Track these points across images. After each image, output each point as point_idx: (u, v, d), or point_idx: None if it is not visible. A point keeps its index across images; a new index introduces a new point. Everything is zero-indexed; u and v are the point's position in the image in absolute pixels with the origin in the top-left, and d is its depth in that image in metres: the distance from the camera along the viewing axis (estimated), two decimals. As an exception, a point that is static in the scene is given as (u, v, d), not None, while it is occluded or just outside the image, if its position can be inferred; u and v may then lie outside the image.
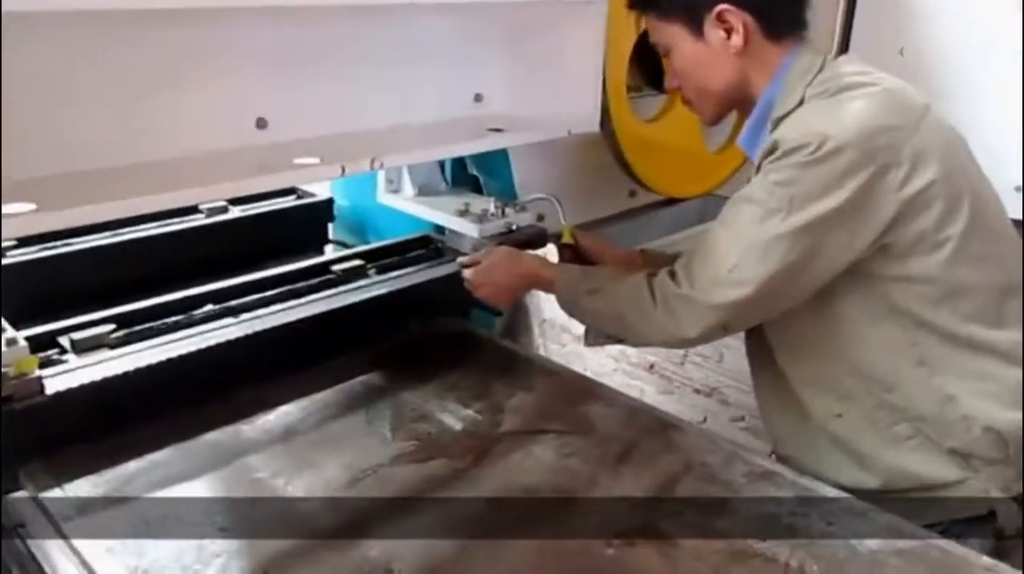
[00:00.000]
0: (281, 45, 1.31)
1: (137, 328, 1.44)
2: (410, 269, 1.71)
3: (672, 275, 1.29)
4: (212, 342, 1.38)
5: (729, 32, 1.28)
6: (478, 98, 1.63)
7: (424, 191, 1.80)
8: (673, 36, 1.33)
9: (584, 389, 1.57)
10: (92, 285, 1.64)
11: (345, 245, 2.27)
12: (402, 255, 1.80)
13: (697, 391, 3.29)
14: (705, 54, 1.31)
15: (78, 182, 1.11)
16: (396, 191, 1.82)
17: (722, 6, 1.26)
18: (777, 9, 1.29)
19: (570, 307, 1.46)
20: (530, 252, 1.56)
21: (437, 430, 1.39)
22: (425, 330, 1.72)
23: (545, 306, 3.74)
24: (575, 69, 1.55)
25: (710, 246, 1.26)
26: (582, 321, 1.47)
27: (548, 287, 1.48)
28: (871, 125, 1.18)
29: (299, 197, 2.19)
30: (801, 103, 1.25)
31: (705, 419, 3.30)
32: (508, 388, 1.54)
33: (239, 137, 1.32)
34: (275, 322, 1.46)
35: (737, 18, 1.26)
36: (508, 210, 1.69)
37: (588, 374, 2.06)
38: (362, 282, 1.64)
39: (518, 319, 3.86)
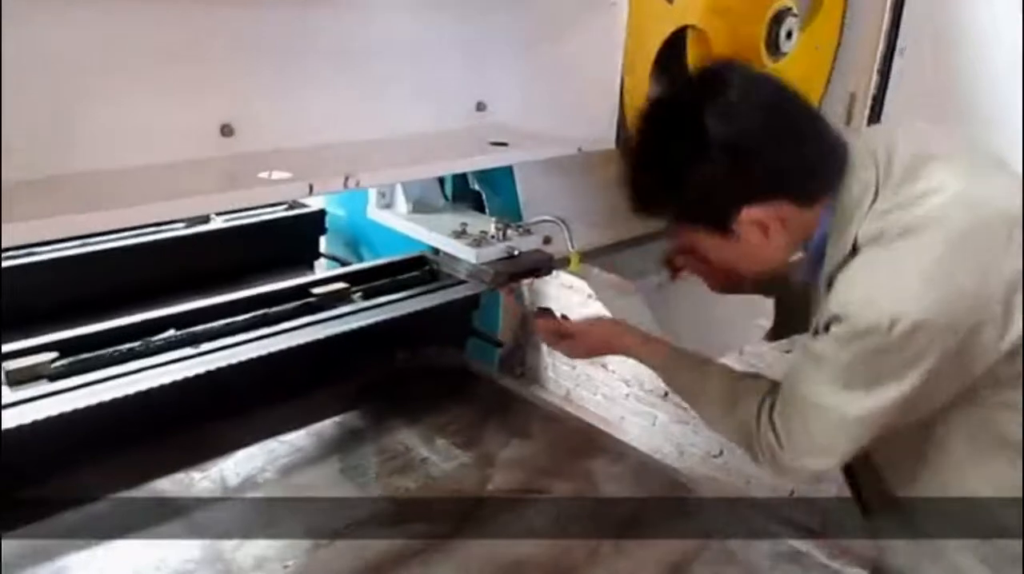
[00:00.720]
0: (251, 39, 1.15)
1: (84, 356, 1.27)
2: (400, 294, 1.54)
3: (772, 421, 1.12)
4: (163, 380, 1.20)
5: (766, 230, 1.06)
6: (480, 107, 1.46)
7: (419, 207, 1.63)
8: (700, 241, 1.13)
9: (587, 439, 1.39)
10: (46, 303, 1.48)
11: (338, 260, 2.10)
12: (393, 277, 1.63)
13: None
14: (747, 248, 1.09)
15: (15, 194, 0.95)
16: (388, 206, 1.65)
17: (753, 211, 1.03)
18: (812, 178, 1.06)
19: (672, 389, 1.29)
20: (631, 326, 1.37)
21: (417, 485, 1.22)
22: (413, 363, 1.55)
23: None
24: (590, 78, 1.37)
25: (797, 406, 1.09)
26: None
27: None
28: (947, 291, 0.97)
29: (289, 207, 2.03)
30: (855, 251, 1.04)
31: (721, 453, 3.12)
32: (503, 435, 1.37)
33: (201, 146, 1.15)
34: (239, 356, 1.28)
35: (773, 215, 1.05)
36: (510, 232, 1.52)
37: (594, 411, 1.88)
38: (344, 309, 1.46)
39: (526, 333, 3.69)
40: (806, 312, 1.27)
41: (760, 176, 1.03)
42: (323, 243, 2.12)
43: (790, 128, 1.05)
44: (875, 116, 2.05)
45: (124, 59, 1.05)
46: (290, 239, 2.00)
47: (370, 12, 1.23)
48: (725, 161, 1.01)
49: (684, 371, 1.26)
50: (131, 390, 1.18)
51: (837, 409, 1.05)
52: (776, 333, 1.55)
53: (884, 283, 1.01)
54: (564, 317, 1.42)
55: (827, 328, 1.05)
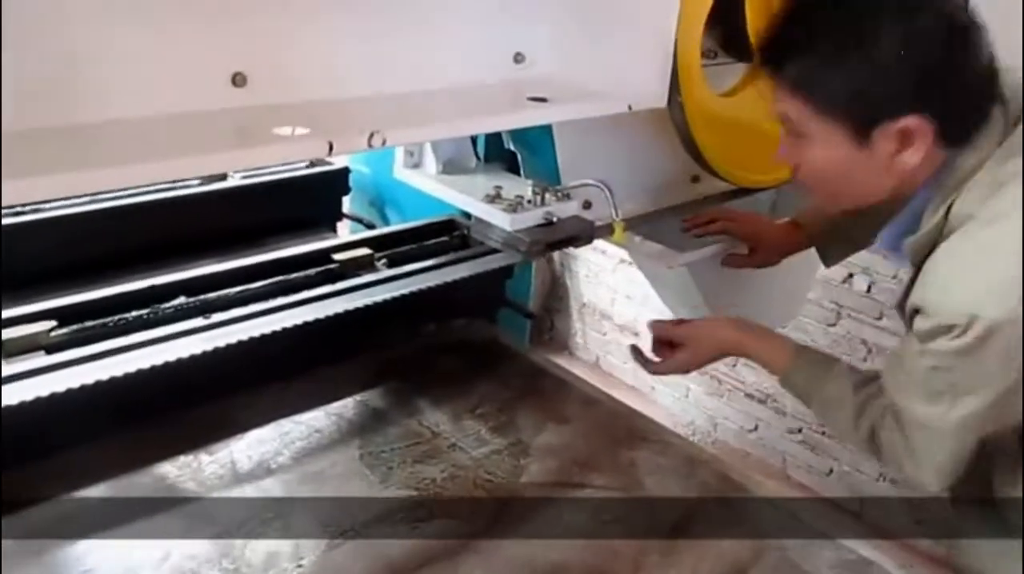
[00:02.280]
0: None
1: (86, 325, 1.17)
2: (428, 263, 1.43)
3: (892, 437, 1.04)
4: (170, 356, 1.10)
5: (906, 147, 0.94)
6: (518, 58, 1.32)
7: (450, 168, 1.50)
8: (822, 132, 0.98)
9: (629, 426, 1.28)
10: (44, 266, 1.38)
11: (362, 222, 1.99)
12: (420, 243, 1.51)
13: (750, 396, 2.98)
14: (862, 164, 0.97)
15: (8, 148, 0.84)
16: (417, 166, 1.52)
17: (910, 120, 0.92)
18: (966, 111, 0.95)
19: (791, 392, 1.20)
20: (746, 323, 1.27)
21: (444, 475, 1.12)
22: (441, 336, 1.44)
23: (585, 289, 3.45)
24: (642, 28, 1.23)
25: (901, 422, 1.02)
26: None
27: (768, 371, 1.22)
28: None
29: (311, 164, 1.91)
30: (943, 227, 0.95)
31: (756, 427, 3.00)
32: (538, 418, 1.26)
33: (210, 97, 1.03)
34: (253, 330, 1.18)
35: (924, 133, 0.93)
36: (548, 196, 1.39)
37: (624, 380, 1.77)
38: (368, 278, 1.35)
39: (556, 301, 3.57)
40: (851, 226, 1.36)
41: (931, 88, 0.91)
42: (346, 203, 2.01)
43: (974, 54, 0.93)
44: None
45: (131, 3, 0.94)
46: (311, 198, 1.88)
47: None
48: (905, 59, 0.90)
49: (807, 377, 1.16)
50: (135, 366, 1.07)
51: (928, 425, 0.98)
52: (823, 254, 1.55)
53: (962, 275, 0.91)
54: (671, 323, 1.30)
55: (911, 318, 0.97)
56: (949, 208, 0.95)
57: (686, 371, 1.26)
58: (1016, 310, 0.87)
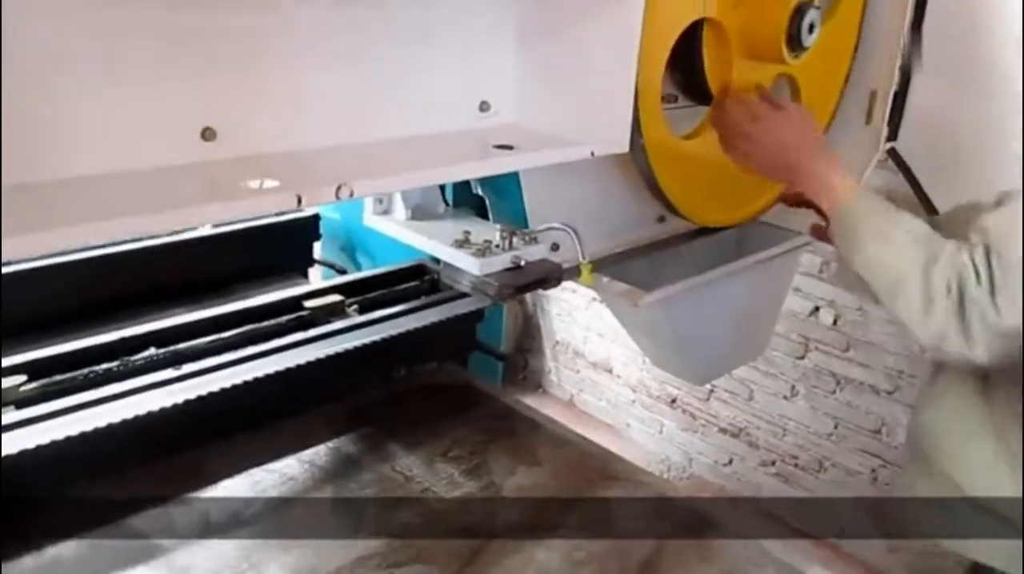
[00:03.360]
0: (235, 35, 1.04)
1: (57, 378, 1.17)
2: (399, 308, 1.44)
3: (974, 259, 1.02)
4: (140, 410, 1.10)
5: None
6: (484, 107, 1.35)
7: (418, 214, 1.52)
8: None
9: (601, 466, 1.29)
10: (13, 320, 1.37)
11: (333, 267, 2.01)
12: (390, 288, 1.53)
13: (723, 431, 3.01)
14: None
15: None
16: (386, 212, 1.54)
17: None
18: None
19: (845, 241, 1.19)
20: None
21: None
22: (413, 381, 1.45)
23: (558, 328, 3.47)
24: (603, 76, 1.26)
25: (1007, 257, 1.00)
26: (848, 260, 1.20)
27: (825, 201, 1.23)
28: None
29: (281, 211, 1.93)
30: None
31: (731, 461, 3.02)
32: (510, 461, 1.28)
33: (181, 152, 1.05)
34: (224, 381, 1.18)
35: None
36: (516, 240, 1.41)
37: (599, 418, 1.78)
38: (339, 325, 1.36)
39: (529, 340, 3.59)
40: None
41: None
42: (317, 249, 2.02)
43: None
44: (896, 114, 1.95)
45: (97, 58, 0.95)
46: (282, 245, 1.89)
47: (363, 6, 1.13)
48: None
49: (870, 208, 1.17)
50: (106, 420, 1.07)
51: None
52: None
53: None
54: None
55: None
56: None
57: (745, 163, 1.37)
58: None
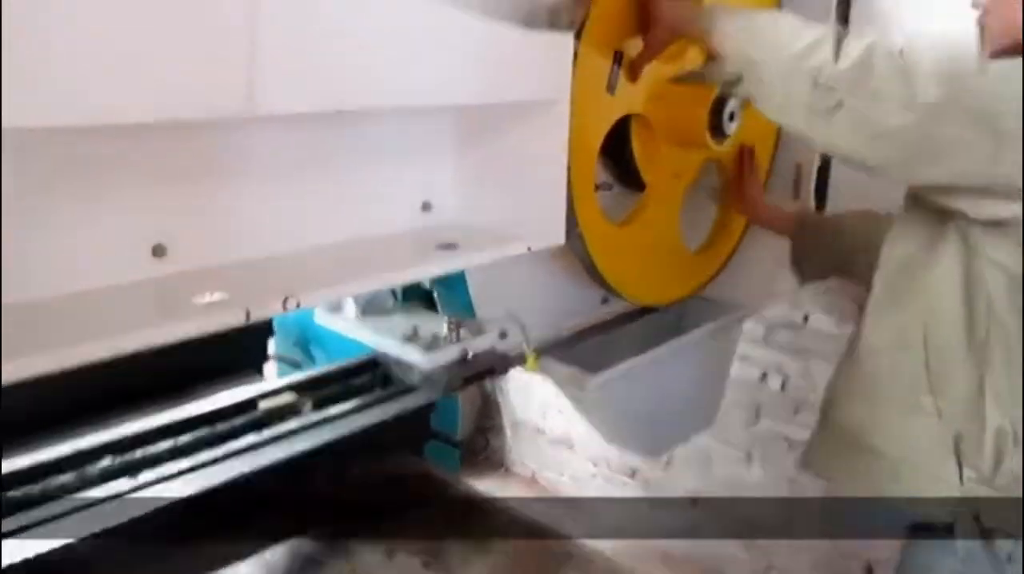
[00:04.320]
0: (184, 157, 1.10)
1: (10, 494, 1.18)
2: (352, 404, 1.47)
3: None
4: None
5: None
6: (426, 206, 1.42)
7: (369, 309, 1.58)
8: None
9: (557, 548, 1.32)
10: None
11: (288, 362, 2.03)
12: (344, 382, 1.56)
13: (683, 499, 3.03)
14: None
15: None
16: (337, 310, 1.59)
17: None
18: None
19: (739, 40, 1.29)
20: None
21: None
22: (370, 475, 1.47)
23: (517, 405, 3.51)
24: (536, 175, 1.34)
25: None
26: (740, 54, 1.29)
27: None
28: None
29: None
30: None
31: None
32: (468, 549, 1.30)
33: (132, 269, 1.09)
34: (179, 490, 1.20)
35: None
36: (463, 332, 1.47)
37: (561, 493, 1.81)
38: (293, 424, 1.39)
39: (488, 420, 3.61)
40: (831, 246, 1.72)
41: None
42: (272, 344, 2.05)
43: None
44: (822, 186, 2.06)
45: (54, 183, 0.99)
46: (237, 343, 1.91)
47: (310, 126, 1.20)
48: None
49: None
50: (62, 539, 1.09)
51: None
52: (803, 270, 1.84)
53: None
54: None
55: None
56: None
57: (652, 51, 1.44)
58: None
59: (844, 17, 1.89)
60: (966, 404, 1.28)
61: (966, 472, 1.28)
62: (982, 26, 1.31)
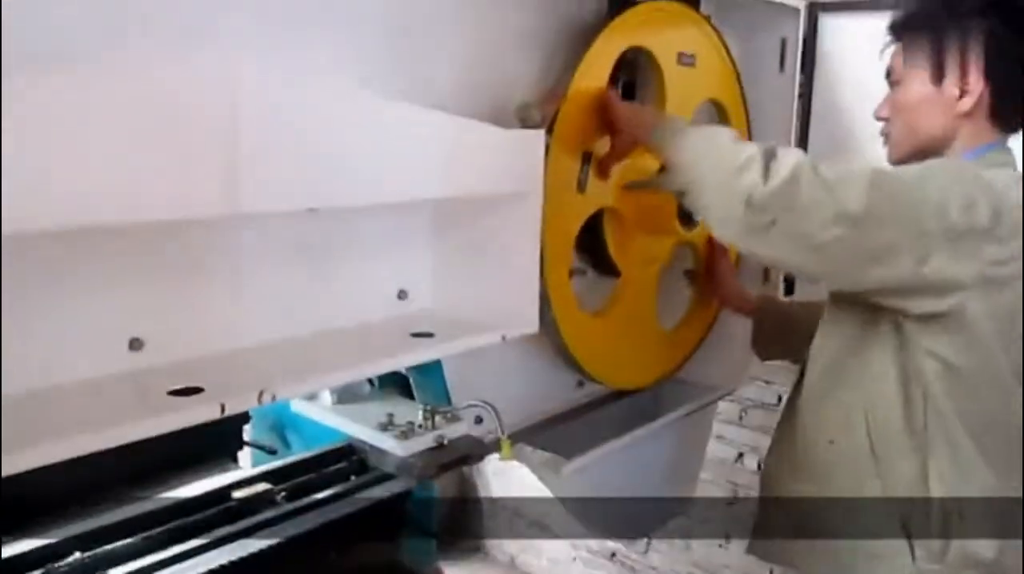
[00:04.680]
0: (161, 253, 1.12)
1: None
2: (327, 493, 1.47)
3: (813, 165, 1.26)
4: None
5: (963, 94, 1.33)
6: (402, 295, 1.44)
7: (344, 397, 1.58)
8: (911, 71, 1.38)
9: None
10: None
11: (263, 448, 2.02)
12: (319, 471, 1.56)
13: (664, 583, 3.01)
14: (931, 100, 1.36)
15: None
16: (312, 397, 1.60)
17: (970, 68, 1.32)
18: (1012, 94, 1.33)
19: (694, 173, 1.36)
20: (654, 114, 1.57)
21: None
22: (344, 564, 1.45)
23: (495, 486, 3.48)
24: (509, 266, 1.37)
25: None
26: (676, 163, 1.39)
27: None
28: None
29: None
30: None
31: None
32: (440, 642, 1.28)
33: (109, 362, 1.10)
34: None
35: (978, 84, 1.32)
36: (439, 419, 1.48)
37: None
38: (267, 515, 1.38)
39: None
40: (788, 331, 1.78)
41: (1004, 58, 1.31)
42: (247, 430, 2.04)
43: None
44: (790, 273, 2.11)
45: (34, 281, 1.01)
46: (211, 430, 1.89)
47: (286, 224, 1.22)
48: (1001, 32, 1.30)
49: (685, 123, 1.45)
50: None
51: (879, 172, 1.24)
52: (762, 349, 1.92)
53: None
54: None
55: None
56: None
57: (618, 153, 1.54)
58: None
59: (806, 112, 1.98)
60: (911, 486, 1.31)
61: (917, 551, 1.31)
62: (886, 135, 1.46)
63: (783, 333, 1.82)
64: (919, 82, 1.37)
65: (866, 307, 1.36)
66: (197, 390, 1.03)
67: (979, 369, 1.30)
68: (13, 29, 0.85)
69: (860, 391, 1.38)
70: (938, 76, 1.35)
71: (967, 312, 1.25)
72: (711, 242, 1.90)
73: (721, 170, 1.27)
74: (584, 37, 1.52)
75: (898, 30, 1.41)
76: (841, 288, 1.40)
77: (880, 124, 1.47)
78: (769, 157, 1.23)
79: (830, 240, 1.20)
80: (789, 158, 1.22)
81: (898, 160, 1.43)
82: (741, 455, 2.70)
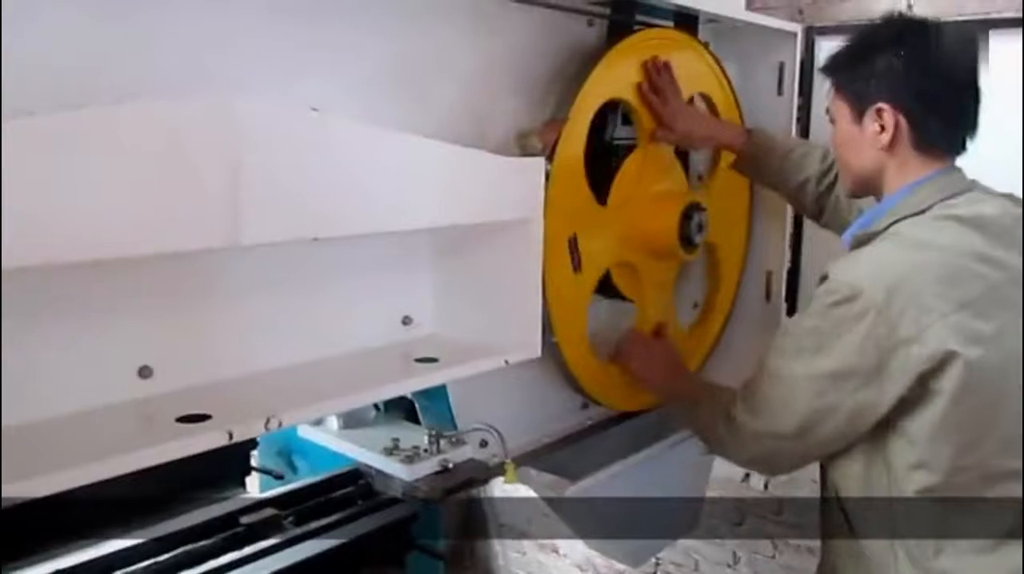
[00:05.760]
0: (169, 282, 1.14)
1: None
2: (334, 517, 1.48)
3: (743, 394, 1.43)
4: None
5: (882, 128, 1.35)
6: (406, 321, 1.46)
7: (350, 422, 1.59)
8: (839, 111, 1.42)
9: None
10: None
11: (270, 473, 2.03)
12: (326, 496, 1.57)
13: (672, 605, 3.00)
14: (856, 137, 1.39)
15: None
16: (319, 422, 1.61)
17: (881, 104, 1.34)
18: (930, 122, 1.34)
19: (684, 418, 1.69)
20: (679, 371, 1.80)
21: None
22: (351, 588, 1.47)
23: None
24: (512, 290, 1.39)
25: (764, 376, 1.38)
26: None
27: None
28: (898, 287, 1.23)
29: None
30: (887, 230, 1.33)
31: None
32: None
33: (118, 390, 1.11)
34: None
35: (891, 118, 1.34)
36: (444, 443, 1.49)
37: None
38: (274, 540, 1.40)
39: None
40: (766, 166, 1.81)
41: (913, 89, 1.32)
42: (255, 455, 2.05)
43: (969, 93, 1.35)
44: (792, 290, 2.13)
45: (44, 311, 1.03)
46: (219, 455, 1.91)
47: (285, 247, 1.24)
48: (901, 66, 1.32)
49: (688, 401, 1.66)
50: None
51: (792, 372, 1.32)
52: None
53: (869, 262, 1.30)
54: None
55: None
56: (894, 223, 1.33)
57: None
58: (888, 308, 1.21)
59: (804, 134, 2.00)
60: None
61: None
62: (838, 170, 1.57)
63: (766, 165, 1.81)
64: (846, 121, 1.40)
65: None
66: (205, 417, 1.04)
67: None
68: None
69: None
70: (858, 114, 1.37)
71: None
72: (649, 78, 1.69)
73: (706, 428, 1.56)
74: (584, 64, 1.55)
75: (827, 70, 1.45)
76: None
77: None
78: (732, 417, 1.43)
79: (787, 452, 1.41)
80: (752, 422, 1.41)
81: (849, 193, 1.53)
82: (747, 475, 2.69)
